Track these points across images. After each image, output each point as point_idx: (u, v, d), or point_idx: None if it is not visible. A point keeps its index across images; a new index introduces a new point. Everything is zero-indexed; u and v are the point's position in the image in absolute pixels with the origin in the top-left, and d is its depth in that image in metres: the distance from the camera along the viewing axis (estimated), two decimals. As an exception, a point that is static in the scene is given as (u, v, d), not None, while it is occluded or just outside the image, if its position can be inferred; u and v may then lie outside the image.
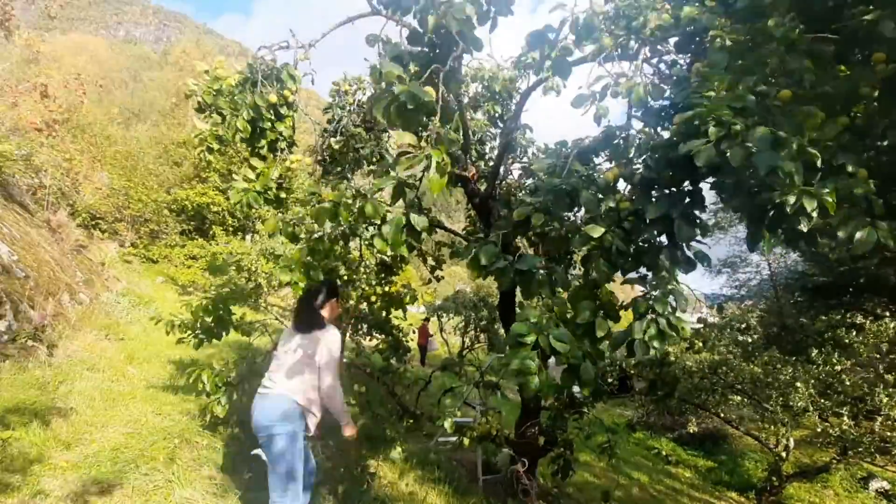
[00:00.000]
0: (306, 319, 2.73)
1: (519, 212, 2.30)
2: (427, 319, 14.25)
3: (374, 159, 5.15)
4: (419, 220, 2.07)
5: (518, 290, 4.76)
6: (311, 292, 2.88)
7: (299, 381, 2.58)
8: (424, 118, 1.91)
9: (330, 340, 2.66)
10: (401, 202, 2.05)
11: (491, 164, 5.19)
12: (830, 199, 1.59)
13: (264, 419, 2.52)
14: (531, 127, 5.22)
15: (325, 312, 2.79)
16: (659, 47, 2.93)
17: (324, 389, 2.63)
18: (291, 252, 3.33)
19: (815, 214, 1.60)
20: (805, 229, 1.65)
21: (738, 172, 1.67)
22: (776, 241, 1.85)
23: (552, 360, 2.03)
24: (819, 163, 1.61)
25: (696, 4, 2.57)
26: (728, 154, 1.63)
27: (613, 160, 2.47)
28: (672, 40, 2.81)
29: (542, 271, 2.19)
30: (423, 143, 2.03)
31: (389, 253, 5.05)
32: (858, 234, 1.70)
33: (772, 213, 1.73)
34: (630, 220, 2.08)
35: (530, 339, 1.91)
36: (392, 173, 1.94)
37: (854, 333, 7.52)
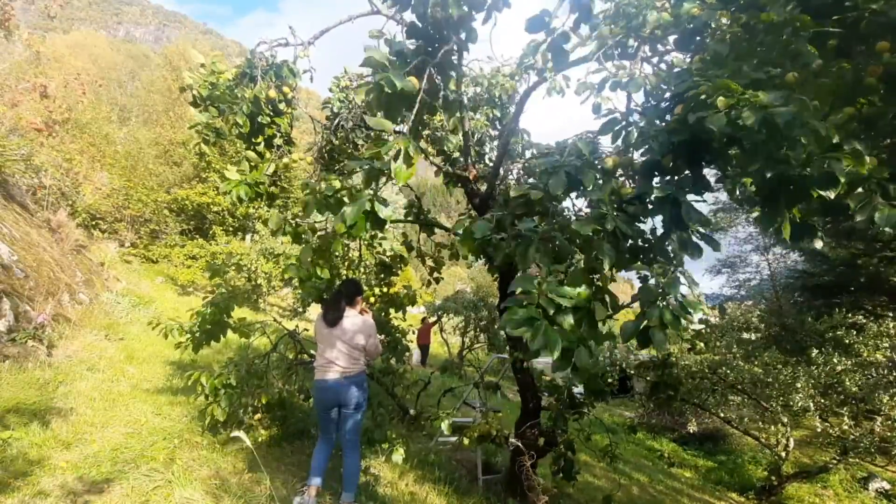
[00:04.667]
0: (333, 317, 3.18)
1: (517, 189, 2.24)
2: (425, 319, 14.20)
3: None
4: (384, 210, 2.01)
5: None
6: (336, 296, 3.24)
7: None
8: (406, 110, 1.88)
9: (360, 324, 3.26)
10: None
11: (491, 164, 5.18)
12: (864, 161, 1.52)
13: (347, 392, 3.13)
14: (528, 132, 5.21)
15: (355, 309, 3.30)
16: (658, 46, 2.93)
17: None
18: (297, 251, 3.38)
19: (843, 179, 1.53)
20: (832, 196, 1.59)
21: (753, 137, 1.60)
22: (794, 219, 1.78)
23: (546, 359, 1.94)
24: (836, 138, 1.56)
25: (696, 1, 2.56)
26: (742, 118, 1.56)
27: (613, 148, 2.39)
28: (672, 38, 2.80)
29: (539, 241, 2.03)
30: (394, 132, 1.99)
31: (389, 253, 5.05)
32: (877, 215, 1.66)
33: (791, 187, 1.67)
34: (633, 204, 2.01)
35: (533, 294, 1.76)
36: (364, 160, 1.92)
37: (854, 333, 7.51)
